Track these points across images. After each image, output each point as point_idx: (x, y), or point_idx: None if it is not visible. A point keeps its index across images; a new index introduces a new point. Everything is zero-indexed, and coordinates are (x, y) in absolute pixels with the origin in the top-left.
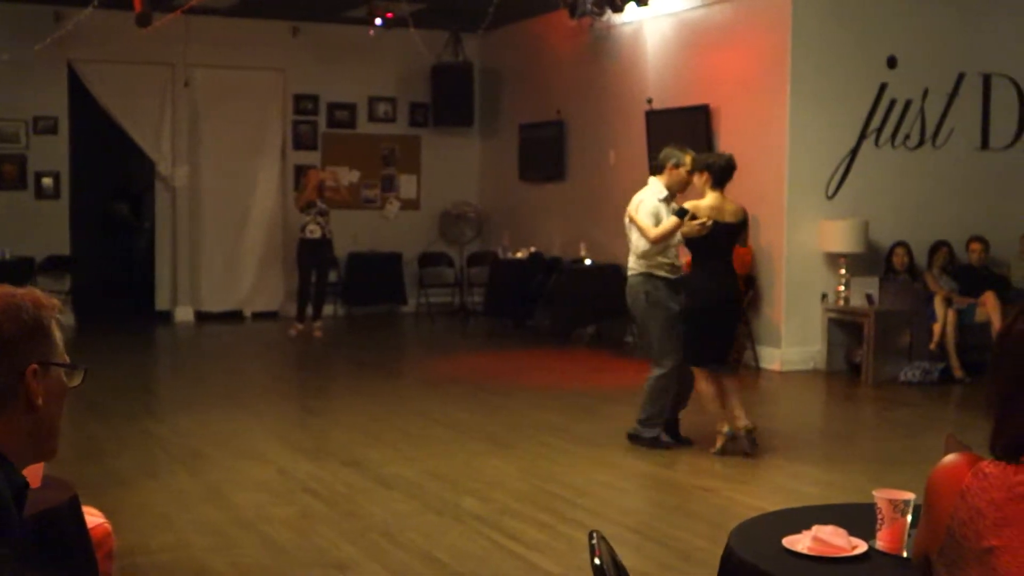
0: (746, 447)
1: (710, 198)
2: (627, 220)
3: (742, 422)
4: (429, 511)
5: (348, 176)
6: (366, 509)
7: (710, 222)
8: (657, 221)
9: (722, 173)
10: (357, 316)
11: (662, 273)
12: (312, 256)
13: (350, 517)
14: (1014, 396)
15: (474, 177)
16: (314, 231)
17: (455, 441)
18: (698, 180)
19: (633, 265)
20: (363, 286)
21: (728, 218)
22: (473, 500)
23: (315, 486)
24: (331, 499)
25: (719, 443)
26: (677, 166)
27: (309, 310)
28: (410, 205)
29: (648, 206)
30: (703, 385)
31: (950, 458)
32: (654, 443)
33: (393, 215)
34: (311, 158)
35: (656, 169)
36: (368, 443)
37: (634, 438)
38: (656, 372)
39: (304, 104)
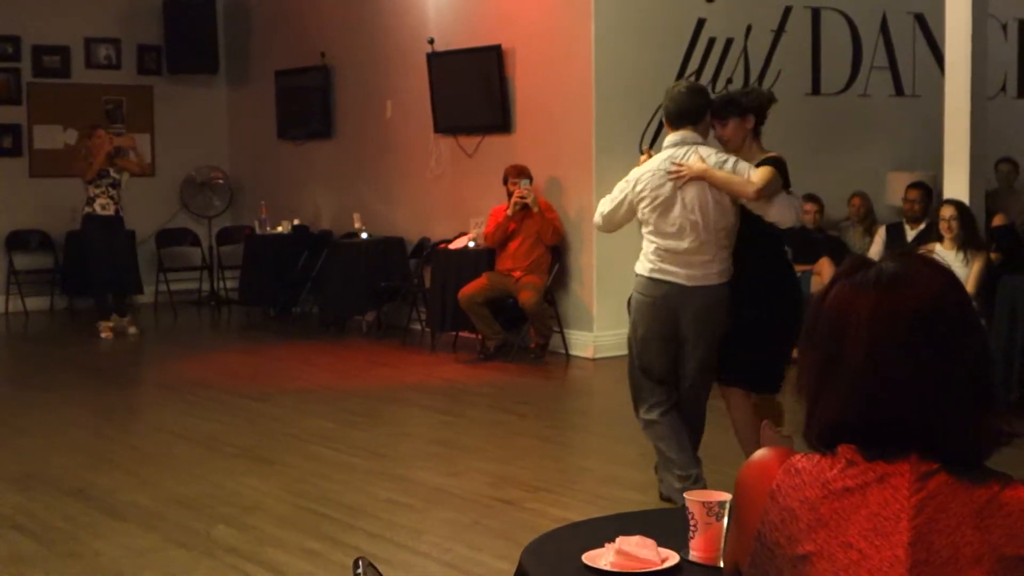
0: None
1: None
2: None
3: None
4: (172, 545)
5: (63, 137)
6: (92, 547)
7: None
8: None
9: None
10: (80, 309)
11: None
12: (106, 236)
13: (72, 558)
14: (828, 374)
15: (222, 136)
16: (106, 206)
17: (204, 459)
18: (735, 130)
19: None
20: (86, 272)
21: None
22: (227, 529)
23: (26, 521)
24: (47, 537)
25: None
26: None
27: None
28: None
29: None
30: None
31: (759, 454)
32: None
33: (122, 184)
34: (14, 114)
35: None
36: (94, 466)
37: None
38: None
39: (3, 47)
